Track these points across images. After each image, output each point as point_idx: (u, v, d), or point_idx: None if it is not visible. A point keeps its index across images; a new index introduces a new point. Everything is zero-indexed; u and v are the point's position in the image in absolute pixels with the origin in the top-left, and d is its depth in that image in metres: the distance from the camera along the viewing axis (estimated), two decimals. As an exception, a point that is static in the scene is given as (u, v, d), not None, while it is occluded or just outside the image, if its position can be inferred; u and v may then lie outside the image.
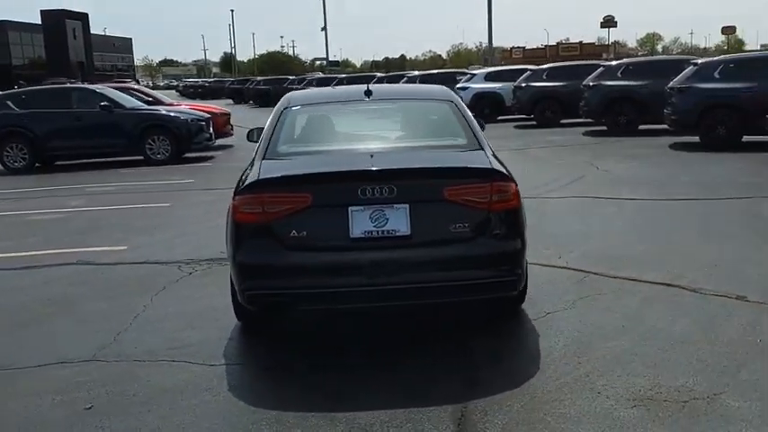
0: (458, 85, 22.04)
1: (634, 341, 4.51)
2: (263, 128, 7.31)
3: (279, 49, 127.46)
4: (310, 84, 37.94)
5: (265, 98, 43.55)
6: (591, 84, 17.58)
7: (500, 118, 21.85)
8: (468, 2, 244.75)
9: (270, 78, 48.44)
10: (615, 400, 3.74)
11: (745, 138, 13.38)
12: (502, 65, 72.94)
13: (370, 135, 5.24)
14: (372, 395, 3.97)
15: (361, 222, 4.21)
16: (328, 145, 5.03)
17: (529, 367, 4.21)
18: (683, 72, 14.12)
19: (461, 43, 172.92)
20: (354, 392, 4.02)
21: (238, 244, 4.39)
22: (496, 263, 4.31)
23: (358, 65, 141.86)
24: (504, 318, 5.07)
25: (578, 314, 5.02)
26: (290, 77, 46.90)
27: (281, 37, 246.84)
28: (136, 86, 27.11)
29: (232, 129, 20.45)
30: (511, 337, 4.77)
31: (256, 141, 7.29)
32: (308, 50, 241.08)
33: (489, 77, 22.20)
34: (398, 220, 4.21)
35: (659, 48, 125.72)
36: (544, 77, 20.42)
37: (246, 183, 4.42)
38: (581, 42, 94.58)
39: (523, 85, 20.48)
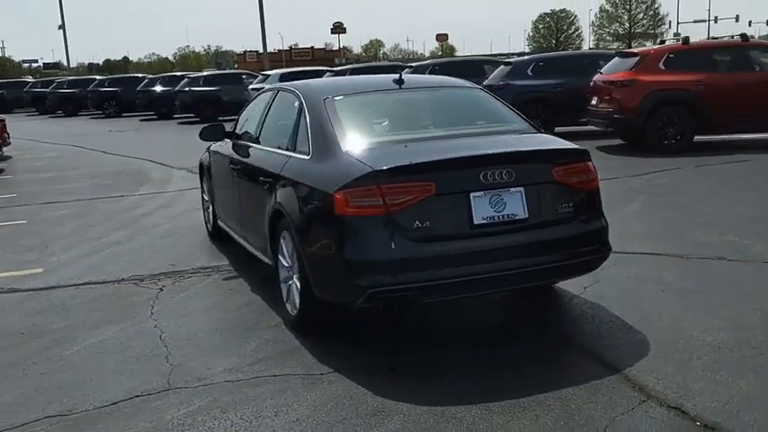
0: (251, 86, 21.63)
1: (688, 302, 4.99)
2: (216, 125, 6.80)
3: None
4: (60, 86, 34.57)
5: (-1, 104, 38.86)
6: None
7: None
8: (193, 4, 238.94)
9: (2, 82, 43.12)
10: (747, 353, 4.13)
11: (557, 129, 14.98)
12: (235, 68, 72.37)
13: (436, 121, 5.11)
14: (514, 382, 3.93)
15: (482, 208, 4.17)
16: (406, 132, 4.81)
17: (633, 335, 4.48)
18: (498, 70, 15.40)
19: (188, 46, 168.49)
20: (493, 382, 3.95)
21: (351, 240, 4.10)
22: (594, 240, 4.53)
23: (73, 66, 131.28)
24: (546, 298, 5.30)
25: (611, 285, 5.39)
26: (30, 80, 42.29)
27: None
28: None
29: (9, 137, 18.10)
30: (579, 314, 4.97)
31: (217, 140, 6.75)
32: (17, 52, 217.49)
33: (285, 78, 22.03)
34: (515, 204, 4.24)
35: (381, 53, 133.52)
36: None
37: (357, 174, 4.11)
38: (312, 47, 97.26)
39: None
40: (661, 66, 11.72)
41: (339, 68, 23.26)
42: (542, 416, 3.54)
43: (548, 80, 14.72)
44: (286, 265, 4.87)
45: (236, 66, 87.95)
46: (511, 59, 16.32)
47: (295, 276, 4.73)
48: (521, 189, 4.25)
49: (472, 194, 4.15)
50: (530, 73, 14.94)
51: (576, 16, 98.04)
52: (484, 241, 4.18)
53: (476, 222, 4.16)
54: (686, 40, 12.44)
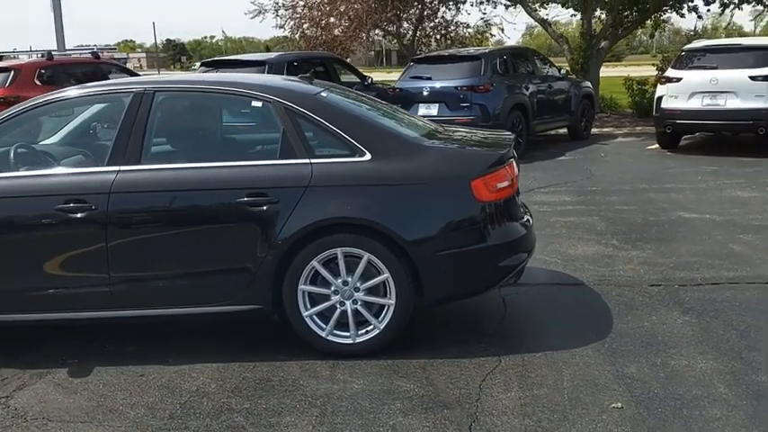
0: None
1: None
2: None
3: None
4: None
5: None
6: None
7: None
8: None
9: None
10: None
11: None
12: None
13: (386, 113, 5.03)
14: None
15: None
16: (400, 122, 4.81)
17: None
18: None
19: None
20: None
21: (494, 225, 4.22)
22: None
23: None
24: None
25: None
26: None
27: None
28: None
29: None
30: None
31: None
32: None
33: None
34: None
35: None
36: None
37: (491, 160, 4.30)
38: None
39: None
40: (36, 81, 11.98)
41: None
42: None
43: None
44: (330, 290, 4.18)
45: None
46: None
47: (360, 294, 4.17)
48: None
49: None
50: None
51: None
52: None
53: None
54: (50, 55, 12.88)
